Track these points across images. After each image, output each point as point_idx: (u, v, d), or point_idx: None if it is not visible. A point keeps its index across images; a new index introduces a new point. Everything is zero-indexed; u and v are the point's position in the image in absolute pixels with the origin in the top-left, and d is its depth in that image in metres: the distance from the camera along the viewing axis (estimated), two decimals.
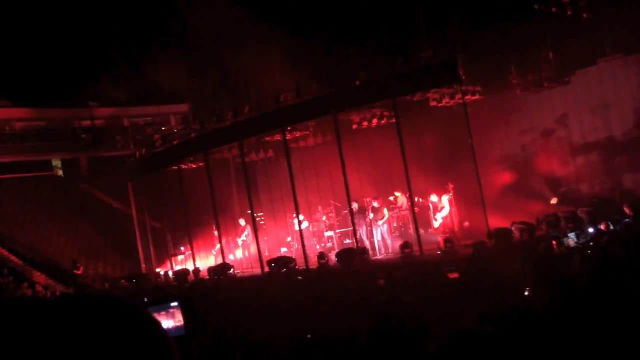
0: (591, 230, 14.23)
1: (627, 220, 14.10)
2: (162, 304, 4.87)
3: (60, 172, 34.28)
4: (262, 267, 18.80)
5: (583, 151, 19.65)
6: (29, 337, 0.93)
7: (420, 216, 17.65)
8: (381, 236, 18.21)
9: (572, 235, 13.78)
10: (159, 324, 1.04)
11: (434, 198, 17.87)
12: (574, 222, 15.51)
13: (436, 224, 17.84)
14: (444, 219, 17.67)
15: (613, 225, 13.74)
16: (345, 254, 17.38)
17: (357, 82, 17.80)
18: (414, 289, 10.00)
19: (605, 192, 18.38)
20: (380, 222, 18.12)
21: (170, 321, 4.79)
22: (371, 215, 18.18)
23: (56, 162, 34.22)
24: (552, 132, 20.16)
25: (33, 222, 27.42)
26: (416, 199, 17.96)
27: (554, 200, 18.70)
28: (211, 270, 19.99)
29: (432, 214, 17.97)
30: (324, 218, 20.65)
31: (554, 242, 13.35)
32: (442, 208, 17.71)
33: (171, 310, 4.80)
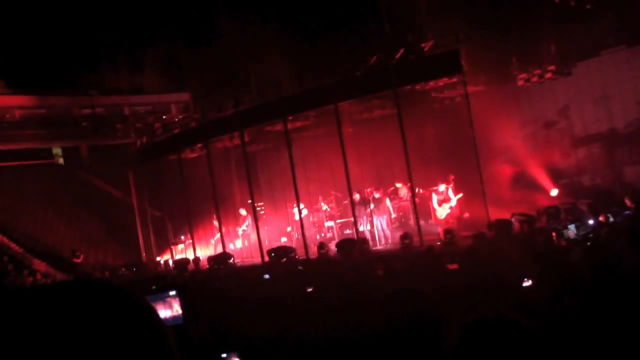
0: (591, 222, 14.23)
1: (627, 212, 14.10)
2: (160, 293, 4.85)
3: (61, 160, 34.26)
4: (262, 256, 18.84)
5: (584, 143, 19.63)
6: (24, 322, 0.92)
7: (420, 207, 17.65)
8: (381, 226, 18.23)
9: (571, 227, 13.77)
10: (154, 311, 1.02)
11: (442, 187, 17.77)
12: (574, 214, 15.53)
13: (442, 214, 17.70)
14: (451, 208, 17.60)
15: (613, 217, 13.74)
16: (345, 244, 17.39)
17: (358, 72, 17.75)
18: (414, 279, 9.99)
19: (606, 184, 18.39)
20: (383, 217, 18.15)
21: (167, 310, 4.78)
22: (372, 206, 18.18)
23: (56, 150, 34.20)
24: (554, 123, 20.14)
25: (33, 210, 27.43)
26: (417, 190, 17.94)
27: (554, 192, 18.70)
28: (211, 259, 20.02)
29: (437, 204, 17.82)
30: (325, 207, 20.65)
31: (554, 234, 13.35)
32: (450, 199, 17.62)
33: (168, 299, 4.78)
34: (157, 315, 1.01)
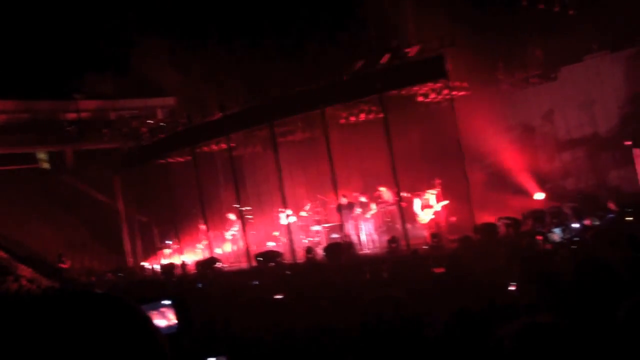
0: (576, 225, 14.38)
1: (611, 215, 14.26)
2: (154, 302, 4.84)
3: (46, 165, 33.93)
4: (249, 260, 18.81)
5: (568, 147, 19.82)
6: (19, 333, 0.93)
7: (407, 211, 17.70)
8: (368, 230, 18.28)
9: (557, 230, 13.91)
10: (149, 320, 1.04)
11: (426, 195, 17.80)
12: (558, 218, 15.67)
13: (424, 219, 17.73)
14: (435, 213, 17.64)
15: (598, 221, 13.90)
16: (332, 248, 17.40)
17: (344, 77, 17.81)
18: (401, 283, 10.04)
19: (590, 188, 18.57)
20: (368, 215, 18.22)
21: (162, 320, 4.77)
22: (358, 210, 18.23)
23: (41, 155, 33.87)
24: (538, 128, 20.30)
25: (18, 215, 27.16)
26: (403, 194, 17.99)
27: (539, 196, 18.86)
28: (198, 264, 19.96)
29: (419, 209, 17.86)
30: (311, 212, 20.65)
31: (539, 237, 13.46)
32: (432, 206, 17.64)
33: (162, 309, 4.78)
34: (153, 324, 1.03)
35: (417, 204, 17.81)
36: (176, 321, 4.85)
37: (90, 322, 0.96)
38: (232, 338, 6.02)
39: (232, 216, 21.53)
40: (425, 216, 17.65)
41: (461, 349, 2.62)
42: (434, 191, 17.75)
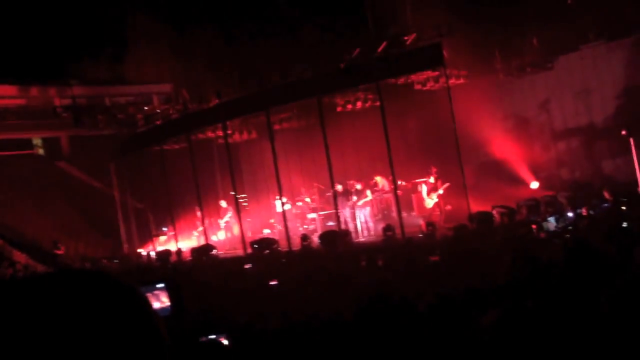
0: (570, 214, 14.45)
1: (606, 205, 14.33)
2: (148, 285, 4.88)
3: (41, 151, 33.83)
4: (245, 248, 18.85)
5: (564, 136, 19.86)
6: (21, 311, 0.95)
7: (402, 199, 17.73)
8: (364, 218, 18.33)
9: (551, 219, 13.99)
10: (147, 300, 1.06)
11: (432, 179, 17.82)
12: (553, 207, 15.74)
13: (430, 203, 17.72)
14: (439, 197, 17.63)
15: (592, 210, 13.97)
16: (328, 236, 17.45)
17: (342, 65, 17.76)
18: (395, 271, 10.10)
19: (585, 177, 18.64)
20: (360, 203, 18.24)
21: (155, 303, 4.81)
22: (354, 198, 18.27)
23: (36, 141, 33.76)
24: (534, 117, 20.32)
25: (12, 201, 27.11)
26: (400, 182, 18.03)
27: (534, 185, 18.91)
28: (194, 250, 19.99)
29: (426, 194, 17.82)
30: (307, 200, 20.66)
31: (534, 226, 13.54)
32: (437, 188, 17.63)
33: (156, 292, 4.82)
34: (149, 304, 1.05)
35: (424, 189, 17.82)
36: (169, 303, 4.89)
37: (88, 300, 0.97)
38: (228, 321, 6.06)
39: (223, 203, 21.55)
40: (430, 201, 17.66)
41: (442, 334, 2.66)
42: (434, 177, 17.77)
